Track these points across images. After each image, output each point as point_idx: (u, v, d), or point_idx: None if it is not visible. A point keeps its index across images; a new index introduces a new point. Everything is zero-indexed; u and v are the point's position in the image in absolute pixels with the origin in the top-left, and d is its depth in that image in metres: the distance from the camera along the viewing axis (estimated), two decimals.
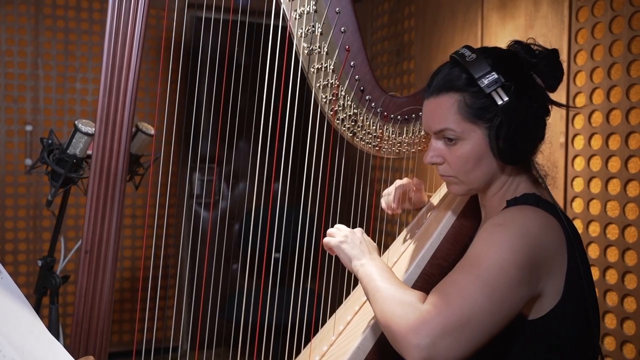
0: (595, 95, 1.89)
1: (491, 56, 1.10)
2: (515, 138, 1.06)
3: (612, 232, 1.82)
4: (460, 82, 1.10)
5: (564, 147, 1.99)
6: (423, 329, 0.95)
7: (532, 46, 1.15)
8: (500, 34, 2.29)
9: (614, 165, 1.82)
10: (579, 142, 1.95)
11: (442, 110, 1.12)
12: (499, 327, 0.99)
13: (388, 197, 1.50)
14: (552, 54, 1.13)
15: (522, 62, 1.12)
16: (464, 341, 0.95)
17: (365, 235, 1.25)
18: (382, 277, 1.11)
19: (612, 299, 1.82)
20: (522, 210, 1.08)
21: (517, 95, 1.06)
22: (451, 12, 2.63)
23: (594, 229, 1.88)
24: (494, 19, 2.33)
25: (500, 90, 1.05)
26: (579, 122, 1.94)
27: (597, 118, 1.88)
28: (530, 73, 1.12)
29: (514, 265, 0.99)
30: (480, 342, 0.97)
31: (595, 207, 1.89)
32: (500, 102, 1.05)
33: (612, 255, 1.82)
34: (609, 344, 1.83)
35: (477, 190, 1.19)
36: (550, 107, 1.14)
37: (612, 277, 1.82)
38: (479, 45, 2.41)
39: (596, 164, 1.88)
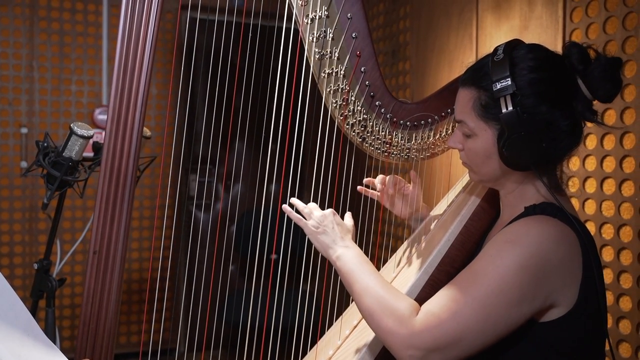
0: None
1: (524, 59, 1.08)
2: (516, 147, 1.06)
3: (608, 232, 1.83)
4: (483, 80, 1.10)
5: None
6: (415, 342, 1.02)
7: (589, 51, 1.11)
8: (495, 35, 2.29)
9: (609, 165, 1.83)
10: None
11: (463, 103, 1.14)
12: (493, 342, 1.02)
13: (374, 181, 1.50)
14: (610, 64, 1.09)
15: (568, 68, 1.09)
16: (453, 355, 1.01)
17: (337, 217, 1.25)
18: (364, 274, 1.13)
19: (607, 298, 1.82)
20: (536, 223, 1.06)
21: (533, 104, 1.04)
22: (446, 13, 2.64)
23: (589, 229, 1.89)
24: (489, 19, 2.34)
25: (507, 99, 1.04)
26: None
27: None
28: (575, 80, 1.09)
29: (515, 287, 1.00)
30: (471, 355, 1.02)
31: (590, 207, 1.89)
32: (503, 110, 1.05)
33: (608, 254, 1.83)
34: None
35: (489, 183, 1.21)
36: (583, 122, 1.11)
37: (607, 276, 1.83)
38: (474, 46, 2.41)
39: (591, 163, 1.89)
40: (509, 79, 1.05)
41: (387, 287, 1.11)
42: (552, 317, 1.05)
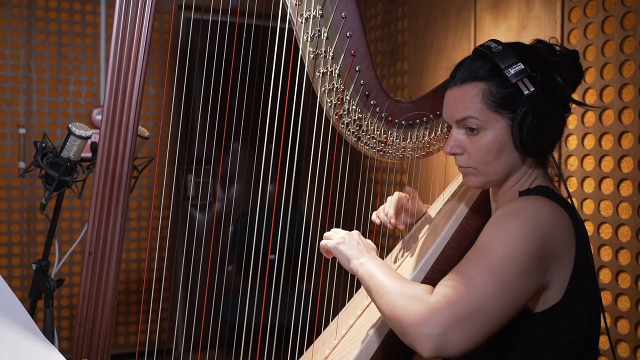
0: (588, 95, 1.90)
1: (517, 49, 1.11)
2: (538, 129, 1.07)
3: (606, 232, 1.83)
4: (486, 72, 1.11)
5: (557, 147, 1.99)
6: (433, 319, 0.96)
7: (554, 46, 1.16)
8: (494, 35, 2.29)
9: (607, 165, 1.83)
10: (572, 142, 1.96)
11: (466, 98, 1.12)
12: (508, 316, 0.99)
13: (384, 213, 1.50)
14: (573, 55, 1.15)
15: (545, 59, 1.13)
16: (473, 330, 0.96)
17: (362, 237, 1.26)
18: (384, 273, 1.11)
19: (606, 298, 1.82)
20: (534, 200, 1.08)
21: (541, 88, 1.07)
22: (444, 13, 2.64)
23: (588, 228, 1.89)
24: (487, 19, 2.34)
25: (526, 80, 1.06)
26: (572, 122, 1.95)
27: (590, 118, 1.89)
28: (552, 71, 1.12)
29: (523, 254, 0.99)
30: (490, 331, 0.98)
31: (588, 207, 1.89)
32: (526, 92, 1.06)
33: (606, 254, 1.83)
34: (603, 342, 1.84)
35: (494, 182, 1.18)
36: (570, 105, 1.16)
37: (605, 276, 1.83)
38: (472, 46, 2.42)
39: (589, 163, 1.89)
40: (521, 63, 1.07)
41: (406, 280, 1.09)
42: (544, 306, 1.06)
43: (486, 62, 1.11)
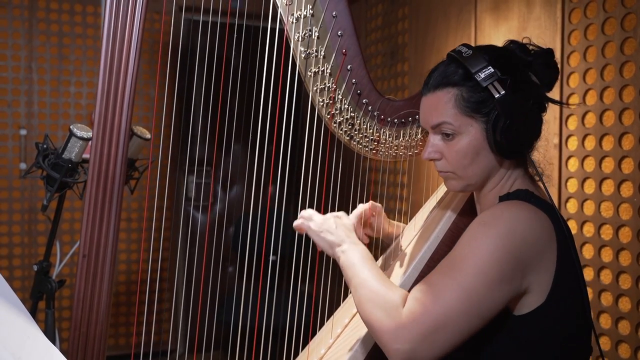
0: (589, 96, 1.90)
1: (488, 52, 1.12)
2: (511, 131, 1.07)
3: (606, 233, 1.83)
4: (457, 77, 1.12)
5: (558, 148, 2.00)
6: (401, 335, 1.01)
7: (527, 45, 1.17)
8: (494, 36, 2.30)
9: (608, 165, 1.83)
10: (573, 143, 1.96)
11: (440, 105, 1.14)
12: (477, 327, 1.02)
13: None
14: (547, 53, 1.16)
15: (518, 60, 1.14)
16: (441, 343, 1.01)
17: (337, 219, 1.26)
18: (364, 268, 1.15)
19: (606, 299, 1.83)
20: (510, 205, 1.08)
21: (513, 90, 1.07)
22: (444, 13, 2.64)
23: (588, 229, 1.89)
24: (487, 20, 2.34)
25: (496, 84, 1.07)
26: (573, 123, 1.95)
27: (591, 119, 1.89)
28: (526, 71, 1.14)
29: (493, 266, 1.01)
30: (458, 342, 1.02)
31: (589, 208, 1.90)
32: (497, 95, 1.07)
33: (607, 255, 1.83)
34: (604, 344, 1.84)
35: (474, 186, 1.19)
36: (546, 104, 1.16)
37: (606, 277, 1.83)
38: None
39: (590, 164, 1.89)
40: (490, 67, 1.08)
41: (384, 280, 1.12)
42: (527, 309, 1.06)
43: (458, 67, 1.12)
